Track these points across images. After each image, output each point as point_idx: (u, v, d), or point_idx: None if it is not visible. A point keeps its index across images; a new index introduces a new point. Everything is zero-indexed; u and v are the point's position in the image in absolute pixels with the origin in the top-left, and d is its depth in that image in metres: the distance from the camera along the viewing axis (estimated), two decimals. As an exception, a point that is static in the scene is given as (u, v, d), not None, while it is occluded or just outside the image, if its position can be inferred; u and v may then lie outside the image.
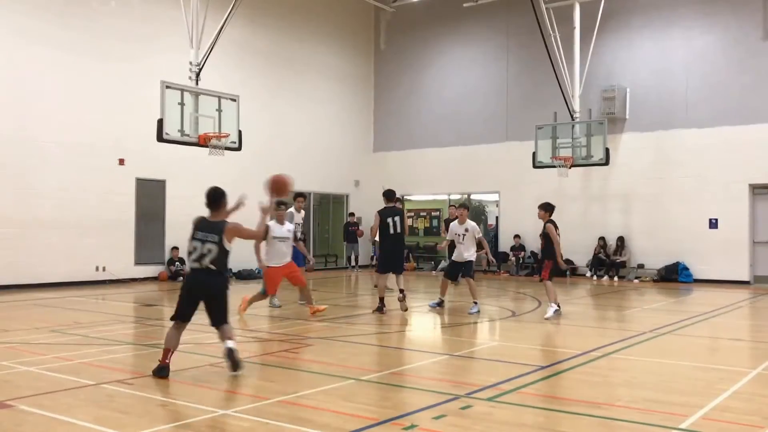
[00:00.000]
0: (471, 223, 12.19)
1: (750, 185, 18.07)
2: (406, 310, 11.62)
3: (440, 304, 12.33)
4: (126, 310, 12.56)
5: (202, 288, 6.78)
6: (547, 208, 11.61)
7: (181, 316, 6.82)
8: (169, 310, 8.54)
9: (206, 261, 6.72)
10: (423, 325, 11.24)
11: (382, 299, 11.60)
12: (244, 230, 7.03)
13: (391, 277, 11.86)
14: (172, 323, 6.86)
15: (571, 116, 18.33)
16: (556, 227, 11.49)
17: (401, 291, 11.60)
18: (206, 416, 5.31)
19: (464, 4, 21.52)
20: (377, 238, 12.06)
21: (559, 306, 11.27)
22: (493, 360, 7.74)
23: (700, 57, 18.94)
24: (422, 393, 6.10)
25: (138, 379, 6.60)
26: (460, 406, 5.61)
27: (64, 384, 6.31)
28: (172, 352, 6.71)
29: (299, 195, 12.75)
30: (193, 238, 6.83)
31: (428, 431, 4.95)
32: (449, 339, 9.95)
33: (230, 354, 6.58)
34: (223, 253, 6.79)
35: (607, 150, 17.74)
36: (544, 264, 11.76)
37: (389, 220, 11.40)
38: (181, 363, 7.39)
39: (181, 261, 18.31)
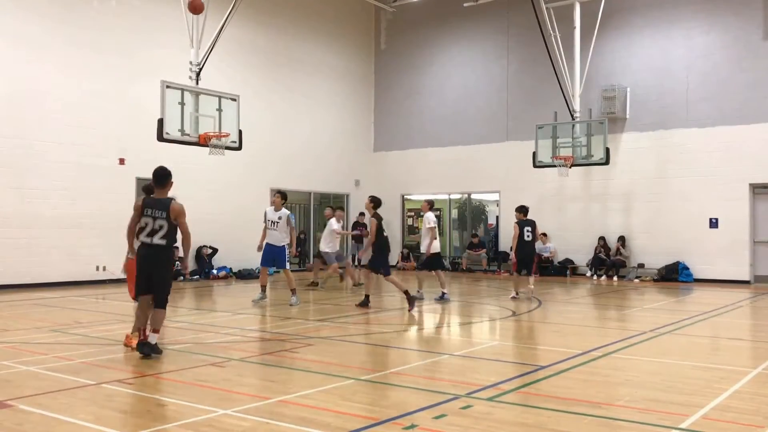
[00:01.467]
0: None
1: (750, 185, 18.07)
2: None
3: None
4: (126, 310, 12.52)
5: (150, 261, 7.53)
6: (520, 210, 14.27)
7: (139, 291, 7.71)
8: (169, 308, 8.55)
9: (157, 237, 7.47)
10: (423, 325, 11.24)
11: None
12: (183, 218, 7.64)
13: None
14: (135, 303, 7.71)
15: (572, 116, 18.32)
16: (526, 226, 13.97)
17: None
18: (206, 416, 5.31)
19: (464, 4, 21.52)
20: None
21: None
22: (494, 360, 7.73)
23: (701, 56, 18.94)
24: (422, 393, 6.10)
25: (138, 378, 6.59)
26: (460, 405, 5.61)
27: (64, 383, 6.31)
28: (143, 329, 7.55)
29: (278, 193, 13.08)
30: (144, 215, 7.53)
31: (428, 431, 4.95)
32: (449, 338, 9.95)
33: (146, 348, 7.35)
34: (173, 228, 7.54)
35: (607, 149, 17.74)
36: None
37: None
38: (181, 362, 7.39)
39: (182, 260, 18.30)
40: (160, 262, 7.58)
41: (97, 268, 16.67)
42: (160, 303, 7.60)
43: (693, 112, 18.86)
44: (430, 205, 14.16)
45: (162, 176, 7.75)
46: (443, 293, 13.44)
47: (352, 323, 10.45)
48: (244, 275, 18.96)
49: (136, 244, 7.72)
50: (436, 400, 5.73)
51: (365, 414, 5.33)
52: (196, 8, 12.62)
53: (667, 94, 19.30)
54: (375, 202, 12.42)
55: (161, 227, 7.45)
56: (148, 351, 7.33)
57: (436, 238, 13.59)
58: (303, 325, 10.10)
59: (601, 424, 5.18)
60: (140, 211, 7.56)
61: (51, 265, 15.81)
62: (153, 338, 7.45)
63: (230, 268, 19.29)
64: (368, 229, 12.71)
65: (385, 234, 12.31)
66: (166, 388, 6.24)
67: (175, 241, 7.64)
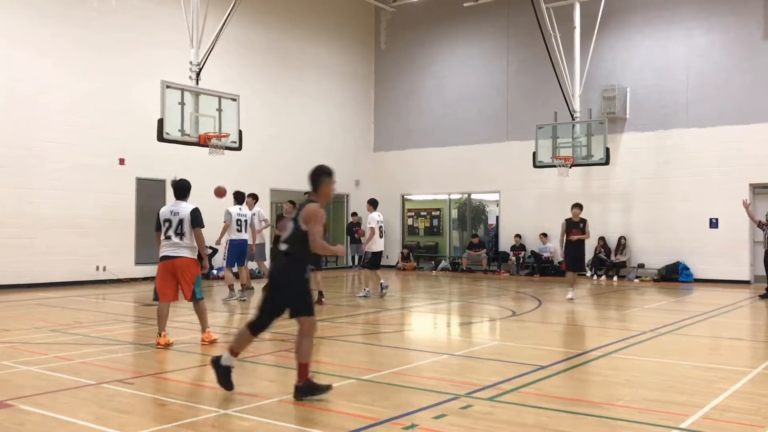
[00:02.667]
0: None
1: (750, 185, 18.07)
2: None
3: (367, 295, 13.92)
4: (126, 310, 12.56)
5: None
6: (371, 203, 14.60)
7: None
8: (168, 309, 8.55)
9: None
10: (423, 325, 11.25)
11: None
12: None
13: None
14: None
15: (572, 116, 18.33)
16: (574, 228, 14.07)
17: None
18: (207, 416, 5.31)
19: (464, 4, 21.52)
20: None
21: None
22: (494, 359, 7.74)
23: (701, 56, 18.95)
24: (422, 392, 6.10)
25: (138, 378, 6.60)
26: (460, 405, 5.61)
27: (64, 383, 6.31)
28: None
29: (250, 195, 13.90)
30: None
31: (429, 431, 4.95)
32: (449, 338, 9.95)
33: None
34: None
35: (607, 149, 17.75)
36: None
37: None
38: (181, 362, 7.40)
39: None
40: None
41: (97, 268, 16.67)
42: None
43: (693, 112, 18.86)
44: (374, 205, 14.53)
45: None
46: (366, 290, 14.10)
47: (351, 323, 10.45)
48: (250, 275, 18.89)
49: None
50: (436, 400, 5.73)
51: (365, 414, 5.34)
52: (220, 194, 13.20)
53: (667, 94, 19.30)
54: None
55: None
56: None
57: (381, 238, 14.20)
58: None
59: (602, 424, 5.19)
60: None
61: (51, 265, 15.82)
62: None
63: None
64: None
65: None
66: (166, 388, 6.25)
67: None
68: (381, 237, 14.18)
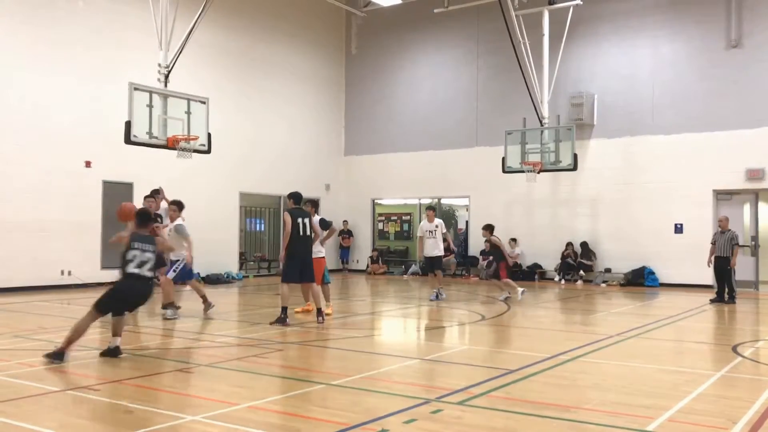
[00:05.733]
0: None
1: (714, 191, 18.45)
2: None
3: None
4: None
5: (140, 293, 7.86)
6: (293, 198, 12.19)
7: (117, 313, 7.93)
8: (137, 315, 8.43)
9: (145, 269, 7.78)
10: (393, 329, 11.25)
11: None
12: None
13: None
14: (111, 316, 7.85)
15: (540, 122, 18.51)
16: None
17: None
18: (174, 422, 5.24)
19: (435, 10, 21.63)
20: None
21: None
22: (463, 364, 7.77)
23: (666, 65, 19.31)
24: (393, 397, 6.10)
25: (104, 385, 6.49)
26: (430, 410, 5.63)
27: (28, 390, 6.18)
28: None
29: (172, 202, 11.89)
30: (132, 248, 7.76)
31: (399, 436, 4.95)
32: (419, 343, 9.97)
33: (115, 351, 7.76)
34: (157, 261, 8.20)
35: (575, 155, 17.95)
36: None
37: (299, 221, 10.67)
38: (148, 368, 7.30)
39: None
40: (149, 294, 8.00)
41: (62, 273, 16.37)
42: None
43: (658, 119, 19.20)
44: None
45: (145, 217, 8.26)
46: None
47: (321, 328, 10.41)
48: (213, 280, 18.76)
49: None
50: (406, 405, 5.74)
51: (335, 419, 5.32)
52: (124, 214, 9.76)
53: (633, 101, 19.62)
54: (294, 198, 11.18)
55: (149, 260, 7.80)
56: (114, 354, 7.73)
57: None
58: (272, 331, 10.03)
59: (570, 428, 5.24)
60: (128, 245, 7.85)
61: (14, 269, 15.47)
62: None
63: (198, 273, 19.08)
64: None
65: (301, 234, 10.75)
66: (133, 395, 6.15)
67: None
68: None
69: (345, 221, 24.04)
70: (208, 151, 14.43)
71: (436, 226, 14.59)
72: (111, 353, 7.69)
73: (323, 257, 11.62)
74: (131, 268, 7.67)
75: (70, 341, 7.46)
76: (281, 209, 22.64)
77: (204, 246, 18.75)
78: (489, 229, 14.95)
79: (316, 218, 11.68)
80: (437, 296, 14.50)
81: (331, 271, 22.44)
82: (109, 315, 7.79)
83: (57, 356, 7.35)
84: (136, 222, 8.20)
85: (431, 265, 14.87)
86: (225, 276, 19.54)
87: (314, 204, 12.26)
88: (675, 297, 16.28)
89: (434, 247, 14.61)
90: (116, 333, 7.80)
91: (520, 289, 14.64)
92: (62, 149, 16.39)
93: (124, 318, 8.06)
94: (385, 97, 24.12)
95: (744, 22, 18.32)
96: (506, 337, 10.18)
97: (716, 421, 5.45)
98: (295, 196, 10.99)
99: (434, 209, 15.97)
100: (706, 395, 6.32)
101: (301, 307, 11.94)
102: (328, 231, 11.77)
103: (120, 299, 7.78)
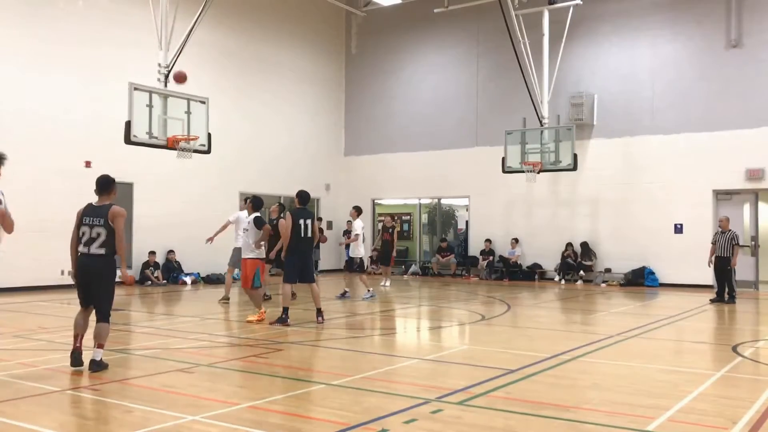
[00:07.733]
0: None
1: (714, 191, 18.45)
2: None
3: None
4: (91, 315, 12.32)
5: (89, 272, 7.10)
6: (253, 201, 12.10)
7: (82, 302, 7.32)
8: (136, 314, 8.44)
9: (95, 245, 7.03)
10: (393, 329, 11.24)
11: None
12: (122, 221, 7.22)
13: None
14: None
15: (540, 122, 18.51)
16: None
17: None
18: (174, 422, 5.24)
19: (435, 10, 21.63)
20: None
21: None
22: (464, 364, 7.77)
23: (667, 65, 19.31)
24: (393, 397, 6.10)
25: (104, 385, 6.49)
26: (430, 410, 5.63)
27: (28, 390, 6.18)
28: (81, 336, 7.16)
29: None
30: (82, 224, 7.17)
31: (399, 435, 4.95)
32: (419, 343, 9.97)
33: (92, 365, 6.93)
34: (111, 235, 7.08)
35: (575, 155, 17.96)
36: None
37: (301, 221, 10.61)
38: (148, 368, 7.30)
39: (156, 266, 18.07)
40: (101, 271, 7.10)
41: (62, 273, 16.33)
42: (103, 317, 7.18)
43: (658, 119, 19.20)
44: (358, 212, 15.68)
45: (105, 183, 7.43)
46: (369, 291, 14.90)
47: (321, 328, 10.41)
48: (213, 280, 18.76)
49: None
50: (406, 405, 5.74)
51: (336, 419, 5.32)
52: (180, 79, 12.82)
53: (633, 101, 19.62)
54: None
55: (99, 235, 7.03)
56: (95, 368, 6.90)
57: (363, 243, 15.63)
58: (272, 330, 10.03)
59: (570, 428, 5.24)
60: (79, 221, 7.24)
61: (15, 270, 15.46)
62: (98, 354, 6.97)
63: (198, 273, 19.09)
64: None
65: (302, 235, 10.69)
66: (133, 395, 6.15)
67: (114, 251, 7.14)
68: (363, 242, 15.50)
69: (348, 221, 23.92)
70: (208, 151, 14.43)
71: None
72: (95, 367, 6.92)
73: (256, 258, 11.10)
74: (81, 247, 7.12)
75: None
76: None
77: (204, 246, 18.80)
78: (357, 209, 15.73)
79: (251, 216, 11.30)
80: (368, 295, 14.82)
81: (331, 270, 22.52)
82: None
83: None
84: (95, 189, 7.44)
85: (359, 266, 15.48)
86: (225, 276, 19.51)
87: (255, 202, 11.62)
88: (675, 297, 16.28)
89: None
90: (94, 339, 7.05)
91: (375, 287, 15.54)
92: (62, 149, 16.39)
93: (88, 311, 7.31)
94: (385, 96, 24.12)
95: (744, 21, 18.32)
96: (506, 337, 10.18)
97: (716, 421, 5.45)
98: (301, 196, 10.98)
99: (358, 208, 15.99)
100: (706, 395, 6.31)
101: (255, 315, 10.82)
102: (262, 231, 11.08)
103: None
